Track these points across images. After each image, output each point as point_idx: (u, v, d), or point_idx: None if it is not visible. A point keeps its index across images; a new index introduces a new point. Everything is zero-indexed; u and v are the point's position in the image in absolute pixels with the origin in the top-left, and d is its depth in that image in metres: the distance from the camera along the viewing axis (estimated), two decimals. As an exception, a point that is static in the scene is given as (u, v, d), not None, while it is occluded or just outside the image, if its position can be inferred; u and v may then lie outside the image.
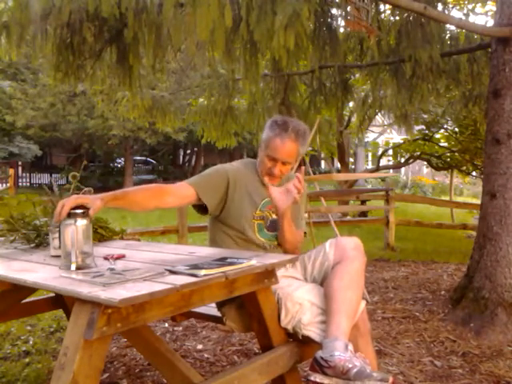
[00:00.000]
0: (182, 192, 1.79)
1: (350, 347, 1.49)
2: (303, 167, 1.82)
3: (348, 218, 8.21)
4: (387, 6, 4.00)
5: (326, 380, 1.45)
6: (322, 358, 1.47)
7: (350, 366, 1.41)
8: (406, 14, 3.69)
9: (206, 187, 1.81)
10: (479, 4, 5.80)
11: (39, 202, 2.00)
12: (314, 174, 5.62)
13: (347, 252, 1.69)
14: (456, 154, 8.61)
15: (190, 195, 1.79)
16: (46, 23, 3.16)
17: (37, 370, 2.37)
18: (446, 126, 8.40)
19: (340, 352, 1.45)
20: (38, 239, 1.84)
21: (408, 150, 9.49)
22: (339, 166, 10.05)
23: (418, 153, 9.35)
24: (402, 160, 10.40)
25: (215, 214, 1.89)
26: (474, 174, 9.48)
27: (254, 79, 3.54)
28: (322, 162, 23.98)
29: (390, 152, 10.71)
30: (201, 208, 1.86)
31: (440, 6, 3.84)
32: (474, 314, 2.95)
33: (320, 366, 1.47)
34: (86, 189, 1.89)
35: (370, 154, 17.76)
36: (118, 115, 6.23)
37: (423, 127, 8.43)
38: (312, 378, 1.48)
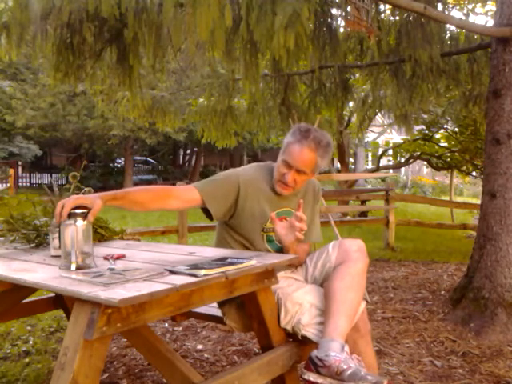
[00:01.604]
0: (187, 196, 1.74)
1: (346, 348, 1.49)
2: (301, 200, 1.71)
3: (348, 218, 8.21)
4: (387, 6, 4.00)
5: (319, 379, 1.45)
6: (317, 357, 1.47)
7: (345, 367, 1.41)
8: (406, 14, 3.70)
9: (212, 194, 1.75)
10: (479, 4, 5.80)
11: (39, 202, 2.00)
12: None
13: (350, 254, 1.67)
14: (456, 153, 8.61)
15: (196, 199, 1.74)
16: (45, 23, 3.16)
17: (37, 370, 2.36)
18: (446, 126, 8.40)
19: (336, 352, 1.45)
20: (37, 239, 1.84)
21: (408, 150, 9.50)
22: (339, 165, 10.04)
23: (418, 153, 9.36)
24: (402, 160, 10.41)
25: (223, 220, 1.85)
26: (473, 173, 9.48)
27: (254, 79, 3.53)
28: (322, 162, 23.93)
29: (390, 152, 10.72)
30: (208, 212, 1.79)
31: (440, 6, 3.84)
32: (474, 314, 2.96)
33: (315, 366, 1.47)
34: (85, 189, 1.89)
35: (370, 154, 17.78)
36: (118, 115, 6.22)
37: (423, 127, 8.43)
38: (306, 377, 1.48)
